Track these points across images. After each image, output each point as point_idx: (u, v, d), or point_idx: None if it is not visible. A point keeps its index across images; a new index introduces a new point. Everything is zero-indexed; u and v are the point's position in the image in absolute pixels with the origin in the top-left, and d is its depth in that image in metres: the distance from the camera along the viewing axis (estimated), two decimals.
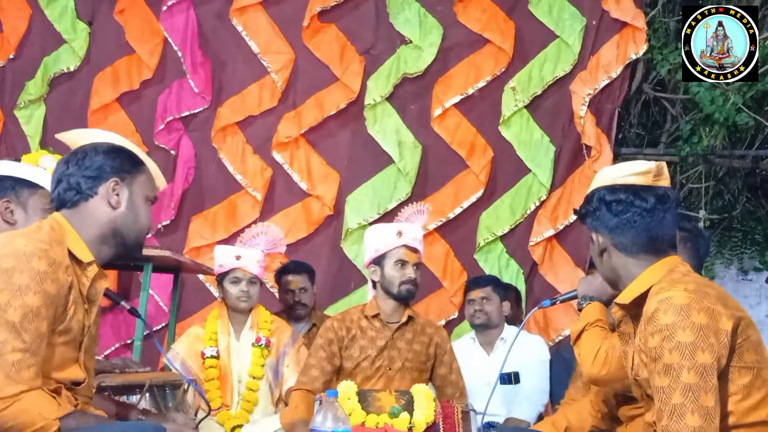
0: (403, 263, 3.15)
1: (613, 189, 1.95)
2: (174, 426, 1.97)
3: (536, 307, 2.76)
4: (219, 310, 3.57)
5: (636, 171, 1.96)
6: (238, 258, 3.48)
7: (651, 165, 1.98)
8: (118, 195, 1.95)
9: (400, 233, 3.20)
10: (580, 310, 2.59)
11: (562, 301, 2.70)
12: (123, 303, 2.38)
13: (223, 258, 3.53)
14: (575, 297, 2.62)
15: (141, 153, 2.05)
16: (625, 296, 1.92)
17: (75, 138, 2.03)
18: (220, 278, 3.54)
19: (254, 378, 3.44)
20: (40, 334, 1.72)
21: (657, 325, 1.72)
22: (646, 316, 1.78)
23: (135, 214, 1.98)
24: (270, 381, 3.48)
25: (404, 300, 3.17)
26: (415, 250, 3.19)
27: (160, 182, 2.09)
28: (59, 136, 2.06)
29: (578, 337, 2.50)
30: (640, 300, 1.86)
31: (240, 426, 3.32)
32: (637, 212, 1.91)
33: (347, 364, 3.13)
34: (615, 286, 2.00)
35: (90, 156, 1.94)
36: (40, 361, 1.73)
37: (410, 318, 3.20)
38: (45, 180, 2.59)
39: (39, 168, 2.66)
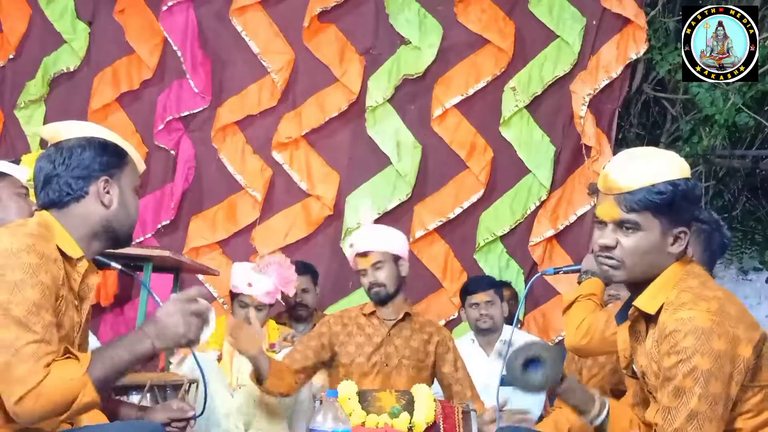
0: (362, 272, 3.21)
1: (693, 182, 1.85)
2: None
3: (539, 274, 2.80)
4: (226, 318, 3.61)
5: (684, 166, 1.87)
6: (249, 285, 3.53)
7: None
8: (109, 193, 1.92)
9: (351, 245, 3.28)
10: (579, 283, 2.62)
11: (565, 272, 2.74)
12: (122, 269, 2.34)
13: (237, 279, 3.61)
14: (578, 270, 2.64)
15: (121, 140, 2.02)
16: (648, 304, 1.84)
17: (54, 132, 1.99)
18: (232, 296, 3.63)
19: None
20: (48, 323, 1.71)
21: (675, 346, 1.70)
22: (662, 332, 1.76)
23: (126, 208, 1.97)
24: None
25: (380, 303, 3.19)
26: (365, 254, 3.19)
27: (141, 166, 2.07)
28: (40, 131, 2.04)
29: (569, 306, 2.54)
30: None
31: None
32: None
33: (343, 360, 3.14)
34: (644, 283, 1.87)
35: (76, 154, 1.91)
36: (56, 348, 1.71)
37: (407, 315, 3.21)
38: (7, 168, 2.58)
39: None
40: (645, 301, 1.85)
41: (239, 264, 3.77)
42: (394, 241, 3.29)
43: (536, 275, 2.84)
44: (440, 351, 3.22)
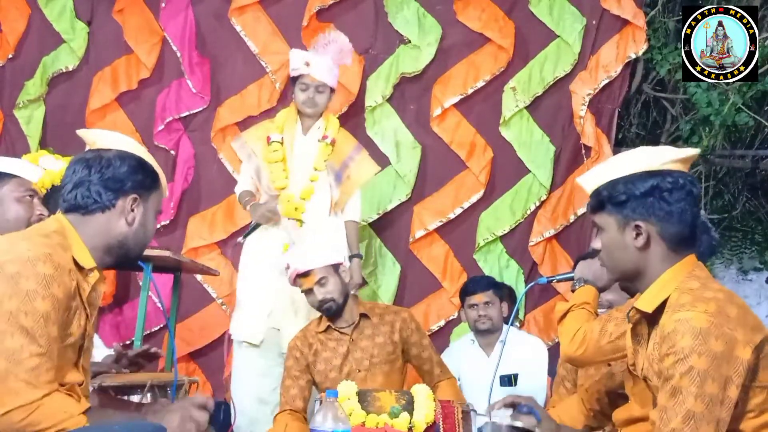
0: (307, 292, 3.21)
1: (664, 174, 1.83)
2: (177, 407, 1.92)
3: (532, 283, 2.82)
4: (291, 107, 3.87)
5: (680, 157, 1.87)
6: (307, 65, 3.65)
7: (693, 152, 1.92)
8: (134, 211, 1.95)
9: (288, 266, 3.24)
10: (573, 291, 2.62)
11: (558, 281, 2.78)
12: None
13: (295, 61, 3.75)
14: (572, 278, 2.65)
15: (155, 164, 2.05)
16: (647, 303, 1.85)
17: (95, 138, 2.02)
18: (293, 81, 3.81)
19: (316, 170, 3.71)
20: (51, 338, 1.72)
21: (674, 346, 1.70)
22: (662, 332, 1.76)
23: (145, 229, 1.99)
24: (331, 182, 3.75)
25: (334, 315, 3.21)
26: (306, 274, 3.17)
27: (166, 192, 2.10)
28: (80, 132, 2.04)
29: (563, 316, 2.54)
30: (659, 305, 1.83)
31: (297, 220, 3.66)
32: (688, 203, 1.83)
33: (317, 378, 3.17)
34: (633, 281, 1.91)
35: (114, 166, 1.93)
36: (55, 364, 1.73)
37: (363, 315, 3.22)
38: (15, 168, 2.57)
39: (6, 158, 2.65)
40: (643, 302, 1.86)
41: (295, 49, 3.91)
42: (330, 250, 3.28)
43: (529, 285, 2.85)
44: (405, 335, 3.23)
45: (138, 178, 1.96)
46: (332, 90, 3.86)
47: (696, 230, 1.88)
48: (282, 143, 3.75)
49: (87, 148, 2.00)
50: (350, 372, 3.14)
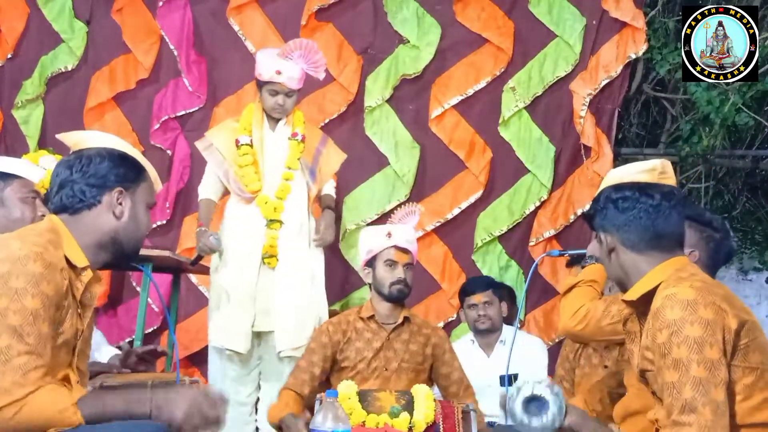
0: (392, 263, 3.19)
1: (619, 187, 1.97)
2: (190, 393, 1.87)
3: (543, 255, 2.86)
4: (255, 106, 3.78)
5: (642, 169, 2.00)
6: (278, 73, 3.61)
7: (656, 162, 2.02)
8: (121, 205, 1.95)
9: (389, 234, 3.24)
10: (582, 267, 2.64)
11: (570, 255, 2.83)
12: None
13: (263, 68, 3.66)
14: (583, 255, 2.67)
15: (141, 157, 2.04)
16: (632, 293, 1.92)
17: (76, 140, 2.02)
18: (260, 84, 3.71)
19: (290, 169, 3.70)
20: (42, 335, 1.71)
21: (664, 320, 1.74)
22: (652, 312, 1.79)
23: (136, 222, 1.99)
24: (308, 179, 3.73)
25: (395, 301, 3.19)
26: (405, 251, 3.21)
27: (158, 185, 2.10)
28: (60, 136, 2.05)
29: (569, 290, 2.58)
30: (648, 298, 1.86)
31: (277, 221, 3.62)
32: (642, 208, 1.92)
33: (344, 365, 3.14)
34: (623, 285, 1.99)
35: (94, 163, 1.93)
36: (47, 361, 1.72)
37: (406, 319, 3.21)
38: (18, 168, 2.57)
39: (9, 158, 2.65)
40: (629, 294, 1.94)
41: (263, 51, 3.81)
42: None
43: (540, 256, 2.88)
44: (437, 353, 3.23)
45: (120, 172, 1.96)
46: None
47: (671, 232, 1.93)
48: (251, 145, 3.70)
49: (71, 151, 2.01)
50: (377, 368, 3.12)
